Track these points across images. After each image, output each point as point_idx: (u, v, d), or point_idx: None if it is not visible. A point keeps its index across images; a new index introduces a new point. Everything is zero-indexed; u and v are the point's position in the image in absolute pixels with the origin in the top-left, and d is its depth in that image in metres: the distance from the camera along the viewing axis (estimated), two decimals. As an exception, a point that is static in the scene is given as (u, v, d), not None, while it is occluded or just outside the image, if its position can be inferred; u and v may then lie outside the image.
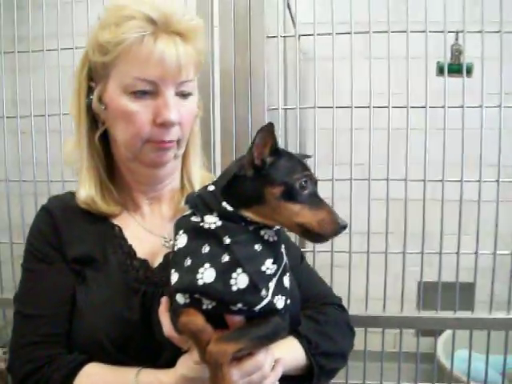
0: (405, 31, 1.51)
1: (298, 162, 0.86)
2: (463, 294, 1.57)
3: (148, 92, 0.95)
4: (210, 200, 0.86)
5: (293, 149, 1.55)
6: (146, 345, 0.94)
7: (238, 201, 0.84)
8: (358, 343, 1.62)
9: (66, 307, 0.99)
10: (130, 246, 1.03)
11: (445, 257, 1.61)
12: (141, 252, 1.03)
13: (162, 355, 0.92)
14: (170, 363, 0.89)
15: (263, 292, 0.80)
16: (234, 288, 0.80)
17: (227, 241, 0.82)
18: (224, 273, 0.80)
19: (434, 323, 1.62)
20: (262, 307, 0.81)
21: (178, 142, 1.02)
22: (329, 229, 0.81)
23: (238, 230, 0.83)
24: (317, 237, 0.82)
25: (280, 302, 0.83)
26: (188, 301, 0.83)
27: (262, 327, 0.83)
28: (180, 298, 0.83)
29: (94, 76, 1.01)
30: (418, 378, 1.68)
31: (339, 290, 1.61)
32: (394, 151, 1.58)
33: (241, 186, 0.85)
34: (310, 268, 1.21)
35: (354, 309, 1.62)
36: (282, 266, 0.86)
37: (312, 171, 0.87)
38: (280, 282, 0.84)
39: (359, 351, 1.64)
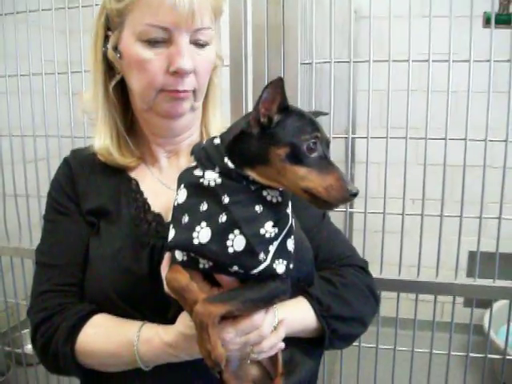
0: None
1: (309, 122, 0.79)
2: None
3: (161, 40, 0.92)
4: (213, 154, 0.82)
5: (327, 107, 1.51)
6: (153, 299, 0.93)
7: (242, 159, 0.80)
8: (408, 311, 1.61)
9: (79, 258, 1.01)
10: (145, 200, 1.03)
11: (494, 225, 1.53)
12: (156, 206, 1.03)
13: (170, 310, 0.91)
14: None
15: (261, 256, 0.77)
16: (230, 250, 0.77)
17: (226, 200, 0.78)
18: (220, 233, 0.78)
19: (489, 292, 1.55)
20: (260, 271, 0.78)
21: (195, 92, 0.98)
22: (337, 196, 0.75)
23: (238, 190, 0.79)
24: (323, 204, 0.77)
25: (280, 266, 0.79)
26: (186, 258, 0.81)
27: (255, 290, 0.80)
28: (178, 255, 0.82)
29: (110, 25, 0.98)
30: (465, 349, 1.62)
31: (388, 254, 1.59)
32: (451, 114, 1.48)
33: (246, 144, 0.80)
34: (332, 227, 1.13)
35: (404, 274, 1.58)
36: (287, 229, 0.82)
37: (324, 131, 0.80)
38: (283, 245, 0.81)
39: (408, 319, 1.61)
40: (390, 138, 1.48)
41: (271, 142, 0.77)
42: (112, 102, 1.03)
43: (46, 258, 1.04)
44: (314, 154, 0.77)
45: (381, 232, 1.57)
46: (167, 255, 0.87)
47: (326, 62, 1.50)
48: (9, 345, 2.18)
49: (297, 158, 0.76)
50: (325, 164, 0.77)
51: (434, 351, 1.63)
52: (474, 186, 1.54)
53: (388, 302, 1.76)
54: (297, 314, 0.95)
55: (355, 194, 0.76)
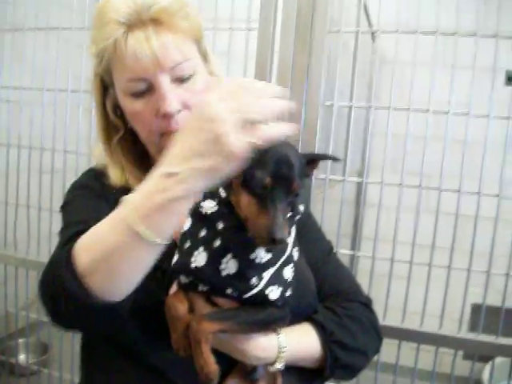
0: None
1: (273, 162, 0.76)
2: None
3: (145, 89, 0.94)
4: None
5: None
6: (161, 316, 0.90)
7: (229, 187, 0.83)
8: (408, 358, 1.59)
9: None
10: None
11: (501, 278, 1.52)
12: None
13: None
14: None
15: (253, 280, 0.81)
16: (224, 273, 0.81)
17: (220, 226, 0.83)
18: (215, 257, 0.82)
19: (491, 348, 1.53)
20: (253, 295, 0.81)
21: None
22: (260, 233, 0.74)
23: (230, 216, 0.82)
24: (252, 237, 0.77)
25: (274, 293, 0.82)
26: (187, 281, 0.85)
27: (250, 313, 0.83)
28: (182, 278, 0.86)
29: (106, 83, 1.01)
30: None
31: (392, 298, 1.59)
32: (465, 163, 1.50)
33: None
34: (338, 263, 1.12)
35: (408, 321, 1.58)
36: (284, 257, 0.85)
37: (288, 175, 0.76)
38: (279, 272, 0.84)
39: (407, 367, 1.59)
40: (405, 186, 1.49)
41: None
42: (121, 153, 1.05)
43: (71, 217, 0.97)
44: (264, 191, 0.76)
45: (387, 275, 1.57)
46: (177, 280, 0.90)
47: (346, 107, 1.52)
48: (3, 353, 2.17)
49: (247, 187, 0.77)
50: (270, 204, 0.75)
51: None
52: (484, 238, 1.53)
53: (389, 348, 1.74)
54: (304, 338, 0.94)
55: (275, 241, 0.74)
